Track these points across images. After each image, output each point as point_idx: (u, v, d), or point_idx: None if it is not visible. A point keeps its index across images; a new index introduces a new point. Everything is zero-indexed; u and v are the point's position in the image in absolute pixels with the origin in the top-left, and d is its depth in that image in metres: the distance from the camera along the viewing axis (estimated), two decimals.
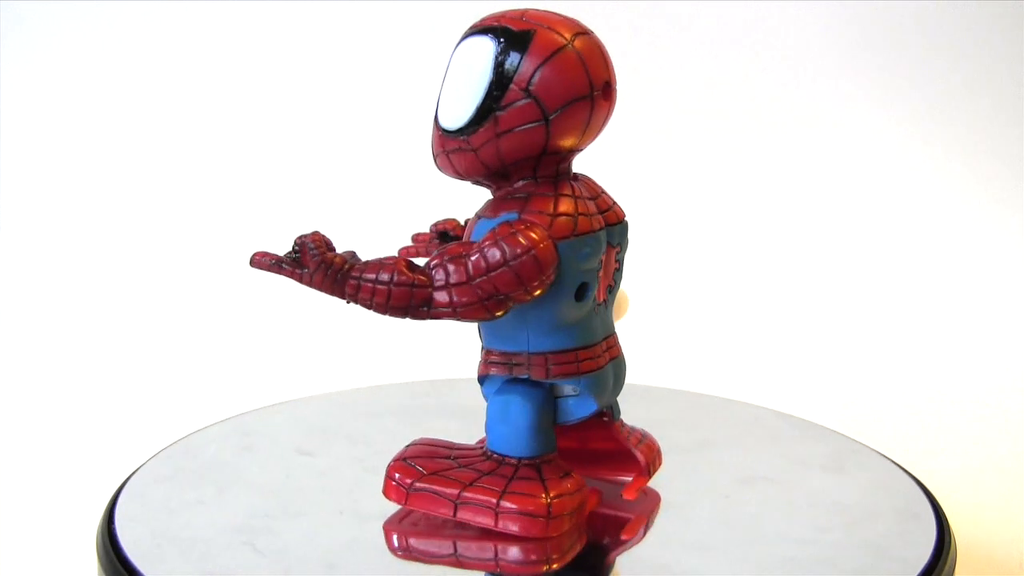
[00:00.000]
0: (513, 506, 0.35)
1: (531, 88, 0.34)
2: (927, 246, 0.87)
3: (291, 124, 0.95)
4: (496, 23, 0.35)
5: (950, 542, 0.36)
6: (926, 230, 0.87)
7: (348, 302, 0.34)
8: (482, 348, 0.38)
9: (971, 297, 0.83)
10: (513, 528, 0.35)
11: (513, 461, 0.36)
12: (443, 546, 0.36)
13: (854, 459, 0.45)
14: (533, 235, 0.33)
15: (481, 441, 0.41)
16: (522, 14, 0.35)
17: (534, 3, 0.36)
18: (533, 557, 0.35)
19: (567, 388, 0.37)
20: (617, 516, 0.39)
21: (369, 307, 0.34)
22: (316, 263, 0.33)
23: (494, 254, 0.33)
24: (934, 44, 0.86)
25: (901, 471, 0.43)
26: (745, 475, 0.43)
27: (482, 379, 0.38)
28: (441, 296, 0.33)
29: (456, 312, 0.33)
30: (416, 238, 0.45)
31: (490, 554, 0.35)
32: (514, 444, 0.36)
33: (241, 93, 0.95)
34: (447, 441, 0.39)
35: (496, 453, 0.37)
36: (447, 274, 0.33)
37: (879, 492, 0.41)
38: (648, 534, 0.38)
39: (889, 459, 0.44)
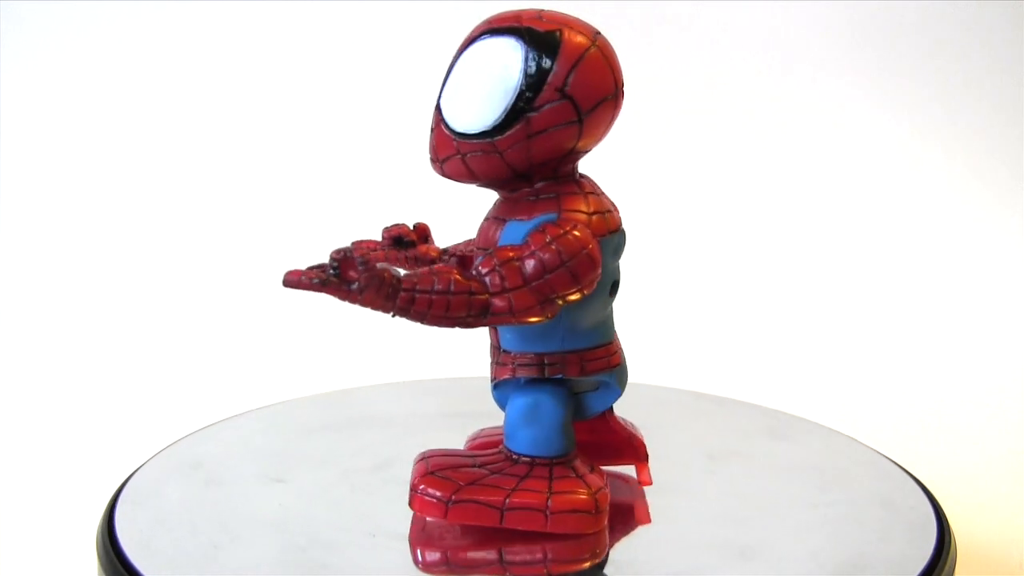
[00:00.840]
0: (562, 506, 0.35)
1: (566, 89, 0.34)
2: (927, 246, 0.87)
3: (271, 126, 0.91)
4: (516, 23, 0.34)
5: (950, 542, 0.37)
6: (926, 229, 0.88)
7: (394, 315, 0.33)
8: (500, 351, 0.37)
9: (970, 297, 0.83)
10: (564, 527, 0.35)
11: (545, 461, 0.36)
12: (487, 554, 0.36)
13: (794, 427, 0.48)
14: (580, 234, 0.34)
15: (483, 444, 0.41)
16: (539, 14, 0.35)
17: (531, 3, 0.36)
18: (580, 554, 0.36)
19: (587, 384, 0.37)
20: (620, 503, 0.40)
21: (423, 319, 0.33)
22: (367, 278, 0.32)
23: (550, 256, 0.33)
24: (934, 44, 0.88)
25: (838, 434, 0.47)
26: (711, 451, 0.45)
27: (498, 384, 0.37)
28: (500, 302, 0.33)
29: (516, 316, 0.33)
30: (360, 246, 0.44)
31: (539, 556, 0.35)
32: (545, 445, 0.36)
33: (239, 93, 0.91)
34: (455, 449, 0.38)
35: (524, 455, 0.37)
36: (502, 279, 0.33)
37: (838, 453, 0.45)
38: (663, 517, 0.39)
39: (821, 424, 0.48)
